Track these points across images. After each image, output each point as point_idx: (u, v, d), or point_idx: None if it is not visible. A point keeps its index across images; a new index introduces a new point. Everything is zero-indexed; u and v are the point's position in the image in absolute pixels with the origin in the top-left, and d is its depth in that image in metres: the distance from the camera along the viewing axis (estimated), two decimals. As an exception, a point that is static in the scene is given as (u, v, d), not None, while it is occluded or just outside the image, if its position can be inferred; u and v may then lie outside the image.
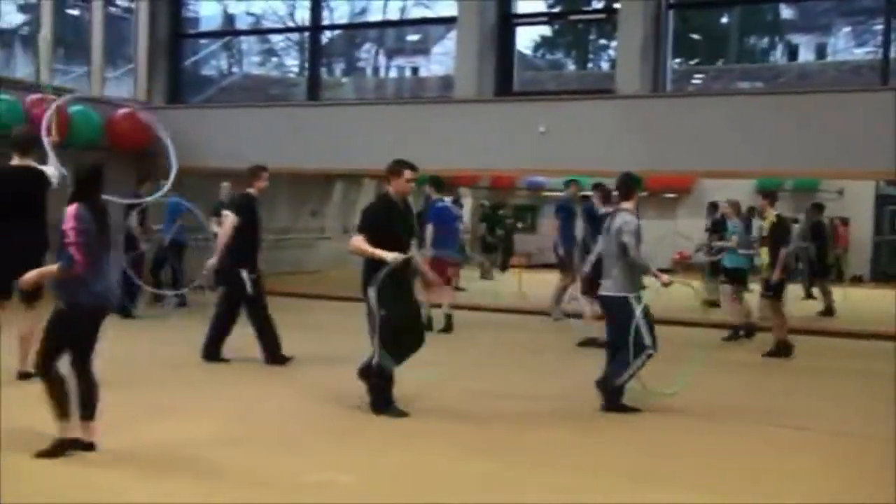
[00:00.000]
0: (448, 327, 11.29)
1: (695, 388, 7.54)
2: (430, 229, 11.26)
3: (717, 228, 13.44)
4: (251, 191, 8.85)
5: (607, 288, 7.19)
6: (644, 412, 7.04)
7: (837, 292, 14.70)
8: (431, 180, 11.81)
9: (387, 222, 6.77)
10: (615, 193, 7.89)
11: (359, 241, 6.68)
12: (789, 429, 6.83)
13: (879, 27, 13.10)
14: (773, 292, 10.27)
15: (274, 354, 8.74)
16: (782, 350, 10.16)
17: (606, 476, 5.54)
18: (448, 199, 12.80)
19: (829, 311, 14.33)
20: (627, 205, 7.28)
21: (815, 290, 15.19)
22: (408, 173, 6.93)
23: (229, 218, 8.65)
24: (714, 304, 13.63)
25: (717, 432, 6.68)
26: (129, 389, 7.10)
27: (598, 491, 5.22)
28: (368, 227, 6.76)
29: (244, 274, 8.53)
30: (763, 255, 10.48)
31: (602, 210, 10.41)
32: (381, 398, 6.72)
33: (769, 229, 10.36)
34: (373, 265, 6.62)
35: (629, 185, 7.33)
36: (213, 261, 8.72)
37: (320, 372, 8.46)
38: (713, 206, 14.64)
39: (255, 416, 6.84)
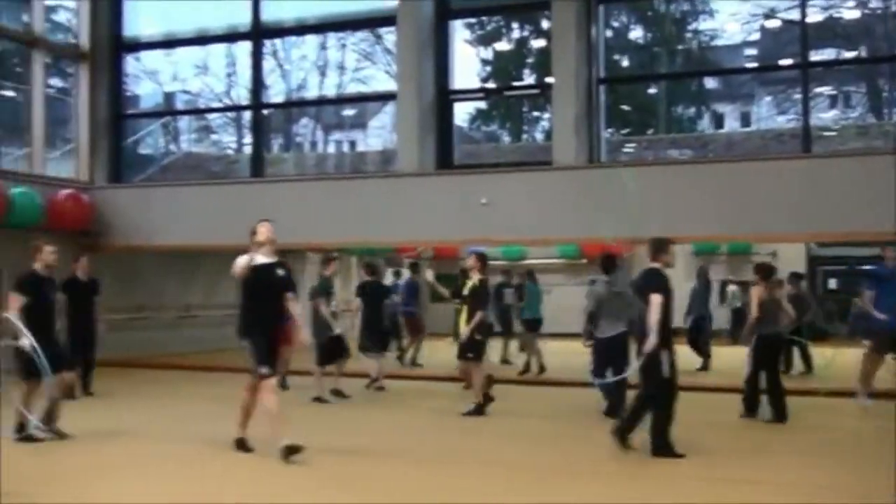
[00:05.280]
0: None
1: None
2: None
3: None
4: (657, 265, 8.32)
5: None
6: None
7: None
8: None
9: None
10: None
11: None
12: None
13: (799, 96, 13.86)
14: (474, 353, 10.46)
15: (662, 448, 8.01)
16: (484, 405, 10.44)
17: None
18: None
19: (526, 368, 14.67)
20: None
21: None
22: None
23: (655, 297, 8.05)
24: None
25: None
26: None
27: None
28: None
29: (664, 356, 7.96)
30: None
31: None
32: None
33: (470, 291, 10.50)
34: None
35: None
36: (650, 342, 8.01)
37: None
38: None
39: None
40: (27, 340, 8.17)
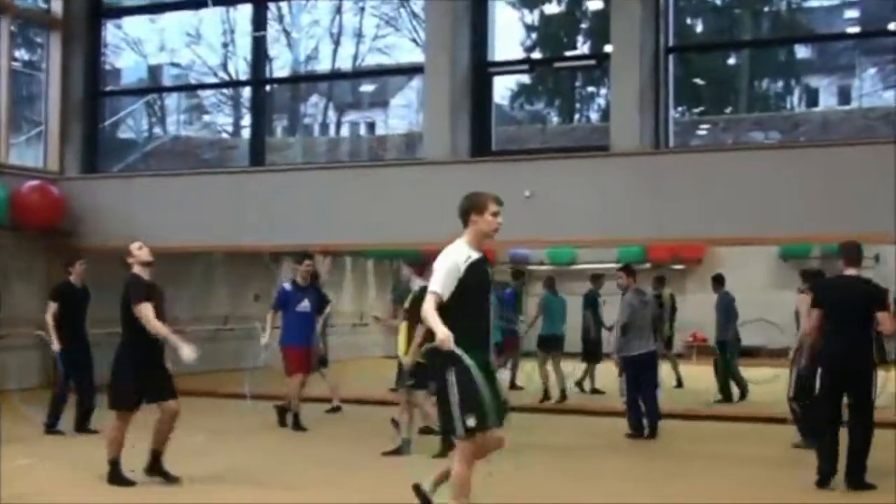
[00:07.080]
0: None
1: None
2: None
3: None
4: (854, 272, 8.84)
5: None
6: None
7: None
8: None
9: None
10: None
11: None
12: None
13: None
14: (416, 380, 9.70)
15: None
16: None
17: None
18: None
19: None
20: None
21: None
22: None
23: (883, 315, 8.49)
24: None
25: None
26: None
27: None
28: None
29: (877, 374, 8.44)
30: None
31: None
32: None
33: (412, 302, 9.74)
34: None
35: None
36: None
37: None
38: None
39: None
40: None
